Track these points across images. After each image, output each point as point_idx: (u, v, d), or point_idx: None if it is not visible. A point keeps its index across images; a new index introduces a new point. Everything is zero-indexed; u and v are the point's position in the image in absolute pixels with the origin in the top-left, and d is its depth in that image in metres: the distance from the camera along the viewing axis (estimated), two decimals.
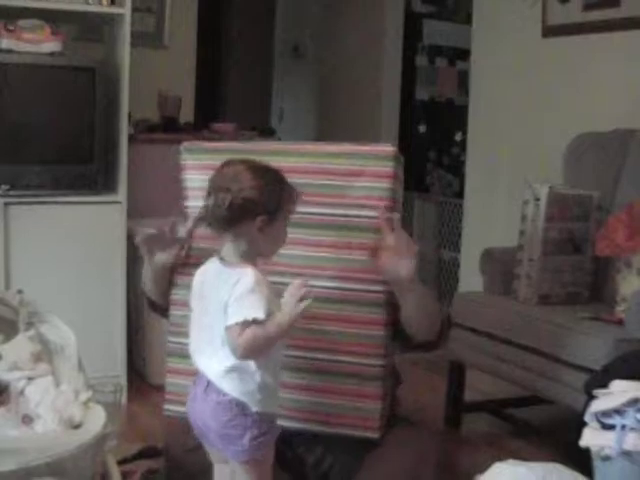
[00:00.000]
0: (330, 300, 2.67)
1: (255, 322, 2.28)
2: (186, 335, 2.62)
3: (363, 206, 2.66)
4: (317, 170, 2.71)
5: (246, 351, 2.31)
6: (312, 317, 2.54)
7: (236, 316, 2.29)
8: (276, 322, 2.31)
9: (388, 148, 2.70)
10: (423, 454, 2.75)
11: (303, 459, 2.83)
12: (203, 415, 2.40)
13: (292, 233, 2.53)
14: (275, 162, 2.53)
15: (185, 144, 2.96)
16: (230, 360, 2.34)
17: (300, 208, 2.54)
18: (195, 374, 2.55)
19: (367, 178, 2.67)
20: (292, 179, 2.51)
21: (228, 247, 2.40)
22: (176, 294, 2.86)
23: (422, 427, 3.03)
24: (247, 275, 2.33)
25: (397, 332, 2.80)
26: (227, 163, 2.43)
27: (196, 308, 2.46)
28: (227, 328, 2.30)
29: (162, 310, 2.96)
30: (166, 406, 2.87)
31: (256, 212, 2.34)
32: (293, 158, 2.74)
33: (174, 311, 2.86)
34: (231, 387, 2.36)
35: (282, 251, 2.57)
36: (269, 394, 2.39)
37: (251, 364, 2.35)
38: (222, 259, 2.40)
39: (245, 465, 2.41)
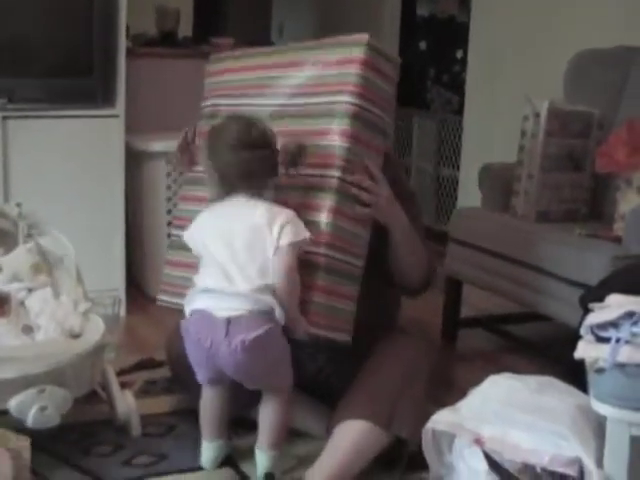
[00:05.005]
0: (318, 189, 2.65)
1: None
2: (186, 228, 2.66)
3: (338, 92, 2.64)
4: (297, 62, 2.76)
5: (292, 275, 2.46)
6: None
7: (292, 237, 2.45)
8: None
9: (361, 36, 2.67)
10: (419, 361, 2.79)
11: (304, 367, 2.86)
12: (233, 359, 2.44)
13: (277, 126, 2.61)
14: (272, 60, 2.81)
15: (213, 56, 3.16)
16: (264, 281, 2.44)
17: (281, 100, 2.71)
18: (190, 266, 2.61)
19: (339, 66, 2.66)
20: (276, 73, 2.76)
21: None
22: (183, 189, 3.02)
23: (418, 337, 3.07)
24: (285, 211, 2.51)
25: (384, 273, 2.86)
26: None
27: (211, 242, 2.53)
28: (281, 247, 2.44)
29: None
30: (160, 297, 2.93)
31: None
32: (287, 54, 2.85)
33: (181, 206, 2.98)
34: (260, 299, 2.43)
35: None
36: None
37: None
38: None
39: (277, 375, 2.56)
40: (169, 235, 3.03)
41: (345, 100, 2.60)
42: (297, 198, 2.61)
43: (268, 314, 2.43)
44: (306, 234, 2.48)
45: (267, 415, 2.59)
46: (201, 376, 2.60)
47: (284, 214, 2.49)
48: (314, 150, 2.60)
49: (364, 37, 2.64)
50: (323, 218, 2.57)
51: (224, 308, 2.43)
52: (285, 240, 2.44)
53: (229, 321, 2.41)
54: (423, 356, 2.82)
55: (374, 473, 2.63)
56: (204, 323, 2.47)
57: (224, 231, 2.51)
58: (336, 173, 2.59)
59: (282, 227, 2.45)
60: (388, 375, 2.69)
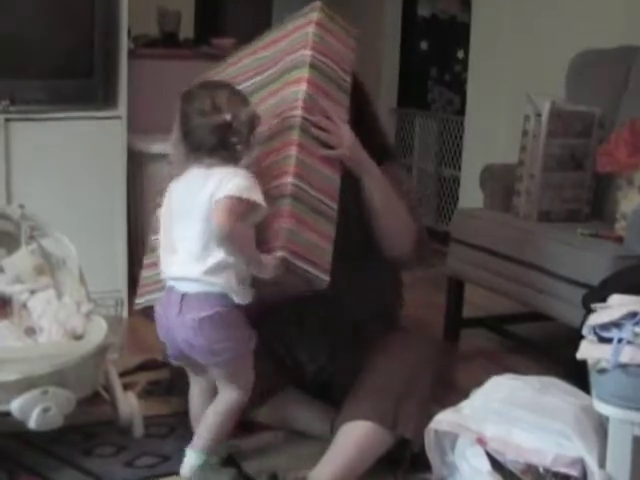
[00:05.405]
0: (283, 130, 2.68)
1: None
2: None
3: (296, 50, 2.75)
4: (268, 43, 2.91)
5: (230, 232, 2.33)
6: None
7: (230, 191, 2.35)
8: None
9: (315, 3, 2.83)
10: (423, 361, 2.78)
11: (305, 367, 2.86)
12: (185, 336, 2.43)
13: (254, 99, 2.67)
14: (251, 49, 2.95)
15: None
16: (216, 256, 2.38)
17: (258, 77, 2.82)
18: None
19: (297, 31, 2.81)
20: (253, 57, 2.90)
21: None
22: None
23: (422, 336, 3.07)
24: (241, 172, 2.42)
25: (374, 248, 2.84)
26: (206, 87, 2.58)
27: (173, 215, 2.51)
28: (217, 201, 2.35)
29: None
30: (136, 301, 2.91)
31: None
32: (262, 40, 2.97)
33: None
34: (213, 282, 2.40)
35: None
36: (247, 286, 2.44)
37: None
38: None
39: (236, 363, 2.49)
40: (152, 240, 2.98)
41: (302, 53, 2.72)
42: (267, 147, 2.63)
43: (222, 297, 2.41)
44: (256, 197, 2.37)
45: (210, 412, 2.54)
46: (169, 353, 2.57)
47: (236, 175, 2.41)
48: (279, 103, 2.68)
49: (317, 4, 2.82)
50: (288, 152, 2.60)
51: (184, 286, 2.43)
52: (221, 193, 2.35)
53: (183, 297, 2.41)
54: (427, 355, 2.81)
55: (377, 473, 2.63)
56: (165, 298, 2.49)
57: (183, 209, 2.47)
58: (298, 112, 2.65)
59: (225, 184, 2.37)
60: (392, 375, 2.68)
